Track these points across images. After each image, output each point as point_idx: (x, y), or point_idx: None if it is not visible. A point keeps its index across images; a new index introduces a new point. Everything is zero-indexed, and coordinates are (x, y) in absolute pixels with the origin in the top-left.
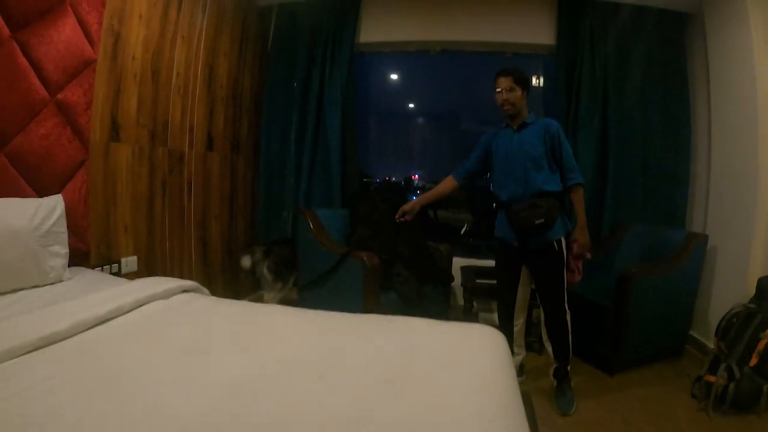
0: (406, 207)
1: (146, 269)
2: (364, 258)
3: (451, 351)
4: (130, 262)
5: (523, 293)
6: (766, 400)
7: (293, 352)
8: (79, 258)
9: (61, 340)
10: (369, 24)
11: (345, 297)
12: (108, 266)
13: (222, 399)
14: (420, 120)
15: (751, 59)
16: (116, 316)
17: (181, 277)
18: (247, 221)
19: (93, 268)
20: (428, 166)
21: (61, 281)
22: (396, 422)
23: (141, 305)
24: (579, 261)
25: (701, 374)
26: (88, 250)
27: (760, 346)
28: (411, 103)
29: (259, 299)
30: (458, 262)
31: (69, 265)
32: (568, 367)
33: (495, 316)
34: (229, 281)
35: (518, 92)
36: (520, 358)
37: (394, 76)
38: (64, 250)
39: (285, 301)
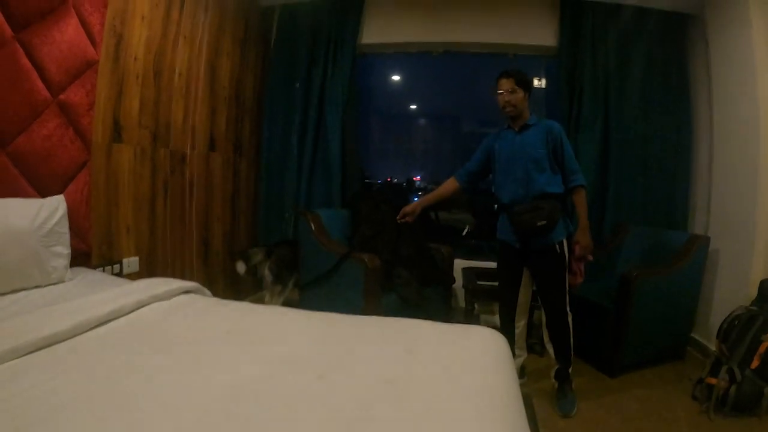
0: (408, 208)
1: (148, 270)
2: (365, 259)
3: (452, 353)
4: (131, 263)
5: (524, 295)
6: (767, 402)
7: (294, 353)
8: (80, 258)
9: (63, 340)
10: (371, 25)
11: (346, 298)
12: (110, 267)
13: (223, 399)
14: (422, 121)
15: (753, 60)
16: (117, 317)
17: (183, 277)
18: (249, 222)
19: (95, 269)
20: (430, 168)
21: (63, 282)
22: (396, 423)
23: (142, 306)
24: (581, 263)
25: (702, 376)
26: (90, 251)
27: (762, 348)
28: (413, 104)
29: (261, 300)
30: (459, 264)
31: (71, 266)
32: (570, 369)
33: (496, 318)
34: (231, 282)
35: (520, 94)
36: (521, 359)
37: (396, 78)
38: (66, 250)
39: (286, 303)
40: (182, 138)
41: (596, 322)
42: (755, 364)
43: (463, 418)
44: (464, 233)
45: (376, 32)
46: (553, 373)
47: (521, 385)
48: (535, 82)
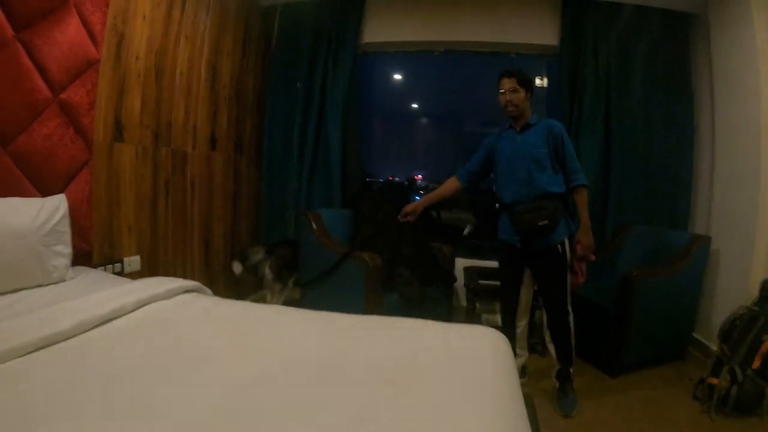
0: (409, 208)
1: (149, 269)
2: (367, 259)
3: (453, 352)
4: (133, 262)
5: (526, 295)
6: None
7: (294, 352)
8: (82, 257)
9: (64, 339)
10: (372, 24)
11: (347, 298)
12: (111, 266)
13: (223, 399)
14: (423, 120)
15: (755, 60)
16: (119, 316)
17: (184, 276)
18: (250, 221)
19: (96, 268)
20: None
21: (64, 281)
22: (397, 423)
23: (143, 305)
24: (583, 263)
25: (704, 377)
26: (91, 250)
27: (763, 348)
28: (414, 103)
29: (261, 299)
30: (461, 263)
31: (72, 265)
32: (571, 369)
33: (498, 318)
34: (232, 281)
35: (522, 94)
36: (522, 359)
37: (397, 77)
38: (67, 249)
39: (287, 302)
40: (183, 137)
41: (597, 322)
42: (757, 364)
43: (465, 418)
44: (465, 232)
45: (377, 31)
46: (554, 373)
47: (522, 385)
48: (537, 82)
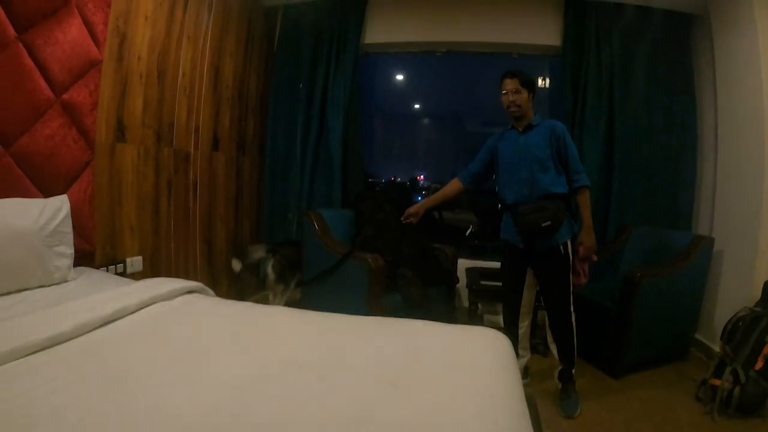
0: (412, 209)
1: (151, 269)
2: (369, 259)
3: (455, 353)
4: (135, 262)
5: (528, 295)
6: None
7: (295, 353)
8: (84, 258)
9: (66, 340)
10: (374, 25)
11: (349, 298)
12: (113, 266)
13: (224, 399)
14: (425, 121)
15: (758, 60)
16: (121, 317)
17: (186, 277)
18: (253, 222)
19: (98, 268)
20: (433, 167)
21: (66, 281)
22: (397, 423)
23: (145, 306)
24: (585, 263)
25: (706, 378)
26: (94, 250)
27: (766, 349)
28: (416, 103)
29: (263, 300)
30: (463, 264)
31: (74, 265)
32: (573, 370)
33: (500, 318)
34: (234, 282)
35: (524, 94)
36: (524, 360)
37: (399, 77)
38: (70, 250)
39: (289, 303)
40: (186, 137)
41: (600, 322)
42: (759, 365)
43: (466, 419)
44: (468, 233)
45: (379, 32)
46: (556, 374)
47: (524, 386)
48: (539, 82)
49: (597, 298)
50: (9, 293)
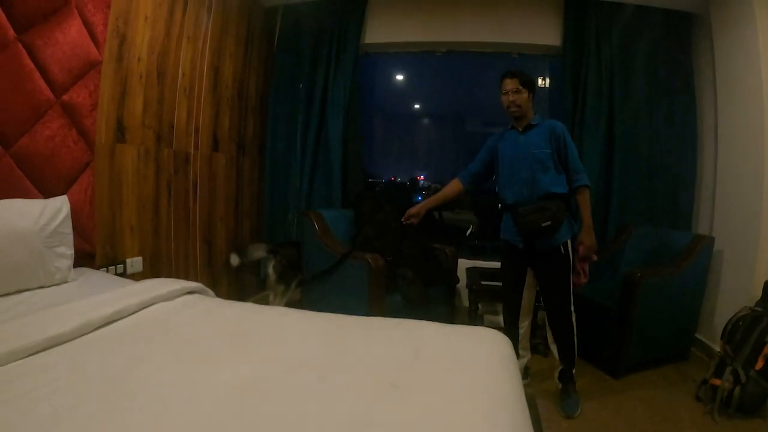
0: (413, 210)
1: (151, 270)
2: (369, 260)
3: (456, 354)
4: (135, 263)
5: (528, 296)
6: None
7: (296, 354)
8: (84, 259)
9: (66, 341)
10: (374, 25)
11: (349, 299)
12: (113, 267)
13: (225, 400)
14: (425, 121)
15: (758, 59)
16: (121, 318)
17: (186, 277)
18: (253, 222)
19: (98, 269)
20: (433, 167)
21: (67, 282)
22: (397, 424)
23: (146, 307)
24: (585, 263)
25: (707, 377)
26: (94, 251)
27: (766, 349)
28: (416, 103)
29: (264, 300)
30: (463, 264)
31: (74, 266)
32: (573, 370)
33: (500, 318)
34: (234, 282)
35: (525, 94)
36: (525, 360)
37: (399, 77)
38: (70, 251)
39: (290, 303)
40: (186, 138)
41: (600, 322)
42: (760, 365)
43: (467, 420)
44: (468, 233)
45: (379, 32)
46: (556, 374)
47: (525, 386)
48: (539, 82)
49: (597, 298)
50: (9, 294)
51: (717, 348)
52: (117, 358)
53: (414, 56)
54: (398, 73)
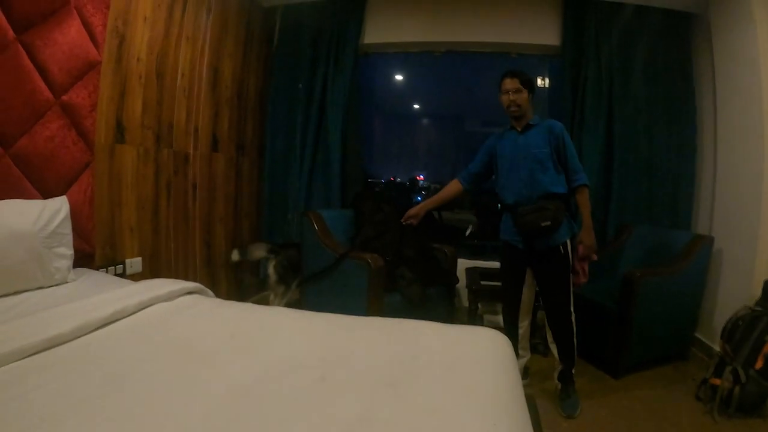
0: (412, 211)
1: (151, 270)
2: (369, 260)
3: (455, 354)
4: (134, 264)
5: (528, 295)
6: None
7: (296, 354)
8: (83, 259)
9: (65, 342)
10: (373, 25)
11: (349, 299)
12: (113, 267)
13: (225, 401)
14: (425, 121)
15: (757, 60)
16: (120, 318)
17: (186, 278)
18: (252, 222)
19: (98, 270)
20: (433, 167)
21: (66, 282)
22: (398, 424)
23: (145, 307)
24: (585, 263)
25: (706, 377)
26: (93, 252)
27: (766, 348)
28: (416, 104)
29: (263, 301)
30: (463, 264)
31: (74, 267)
32: (573, 370)
33: (500, 318)
34: (234, 283)
35: (525, 94)
36: (524, 360)
37: (398, 77)
38: (69, 251)
39: (290, 304)
40: (185, 138)
41: (599, 322)
42: (759, 364)
43: (466, 420)
44: (467, 233)
45: (378, 32)
46: (556, 374)
47: (524, 386)
48: (539, 82)
49: (597, 298)
50: (8, 295)
51: (717, 347)
52: (116, 359)
53: (413, 56)
54: (397, 73)
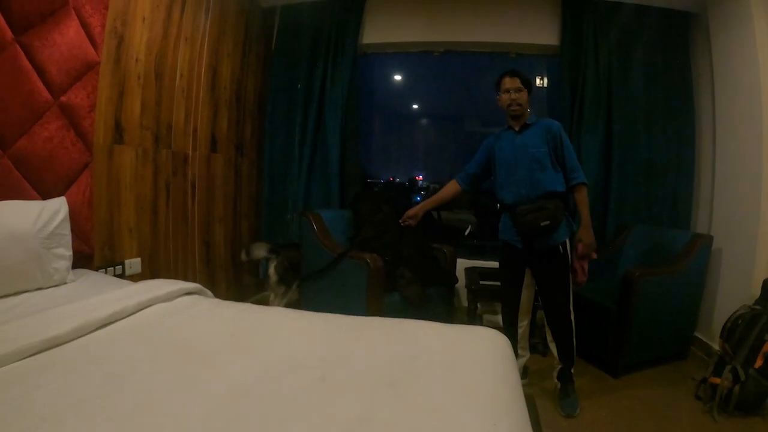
0: (411, 212)
1: (150, 271)
2: (368, 260)
3: (455, 353)
4: (133, 264)
5: (527, 295)
6: None
7: (295, 354)
8: (82, 260)
9: (64, 343)
10: (372, 25)
11: (348, 299)
12: (112, 268)
13: (224, 401)
14: (424, 121)
15: (756, 59)
16: (119, 319)
17: (185, 278)
18: (251, 223)
19: (97, 270)
20: (432, 167)
21: (65, 283)
22: (398, 424)
23: (144, 308)
24: (584, 262)
25: (706, 376)
26: (92, 252)
27: (766, 347)
28: (414, 104)
29: (263, 301)
30: (462, 264)
31: (73, 267)
32: (572, 369)
33: (499, 318)
34: (233, 283)
35: (525, 93)
36: (524, 360)
37: (397, 77)
38: (68, 252)
39: (290, 304)
40: (184, 139)
41: (599, 322)
42: (759, 363)
43: (466, 420)
44: (466, 233)
45: (377, 32)
46: (555, 374)
47: (524, 386)
48: (537, 82)
49: (596, 297)
50: (7, 296)
51: (716, 347)
52: (115, 359)
53: (412, 56)
54: (396, 74)
